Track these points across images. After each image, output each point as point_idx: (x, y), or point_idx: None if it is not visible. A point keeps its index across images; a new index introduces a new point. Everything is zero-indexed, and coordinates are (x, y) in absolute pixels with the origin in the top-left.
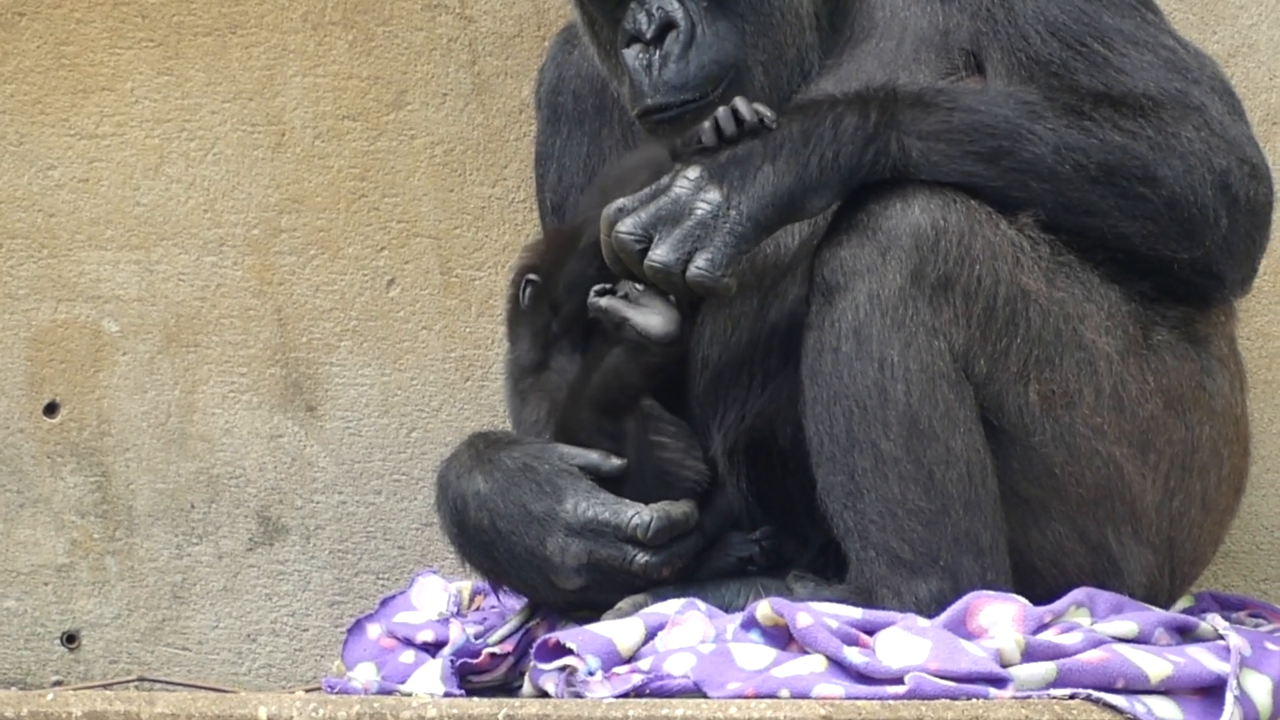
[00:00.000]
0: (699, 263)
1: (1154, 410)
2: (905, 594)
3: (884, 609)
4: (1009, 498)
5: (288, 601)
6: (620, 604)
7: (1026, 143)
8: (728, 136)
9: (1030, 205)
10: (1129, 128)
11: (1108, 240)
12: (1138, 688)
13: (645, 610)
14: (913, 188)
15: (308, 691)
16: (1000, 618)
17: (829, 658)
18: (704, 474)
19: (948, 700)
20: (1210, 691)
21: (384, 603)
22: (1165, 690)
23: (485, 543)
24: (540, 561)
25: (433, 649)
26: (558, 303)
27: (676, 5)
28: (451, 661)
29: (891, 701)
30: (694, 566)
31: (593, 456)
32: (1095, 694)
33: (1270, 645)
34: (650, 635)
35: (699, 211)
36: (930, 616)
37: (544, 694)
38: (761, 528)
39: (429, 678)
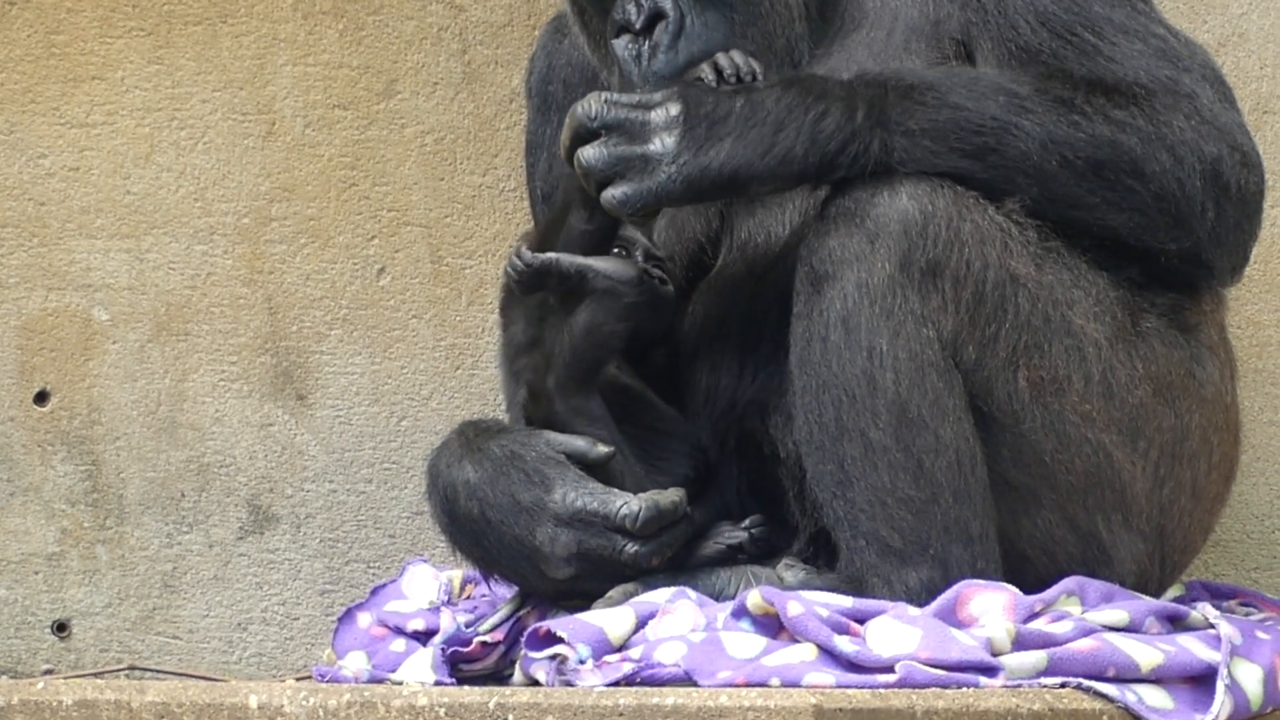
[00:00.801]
0: (618, 189)
1: (1143, 397)
2: (895, 583)
3: (874, 598)
4: (999, 486)
5: (278, 590)
6: (611, 593)
7: (1013, 139)
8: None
9: (1017, 196)
10: (1119, 118)
11: (1095, 231)
12: (1128, 676)
13: (636, 599)
14: (900, 174)
15: (298, 680)
16: (991, 606)
17: (819, 646)
18: (694, 463)
19: (938, 689)
20: (1201, 680)
21: (375, 591)
22: (1156, 679)
23: (475, 532)
24: (530, 551)
25: (423, 637)
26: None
27: None
28: (442, 650)
29: (882, 690)
30: (684, 555)
31: (579, 444)
32: (1086, 683)
33: (1261, 634)
34: (641, 624)
35: (650, 147)
36: (921, 605)
37: (535, 682)
38: (751, 516)
39: (420, 666)
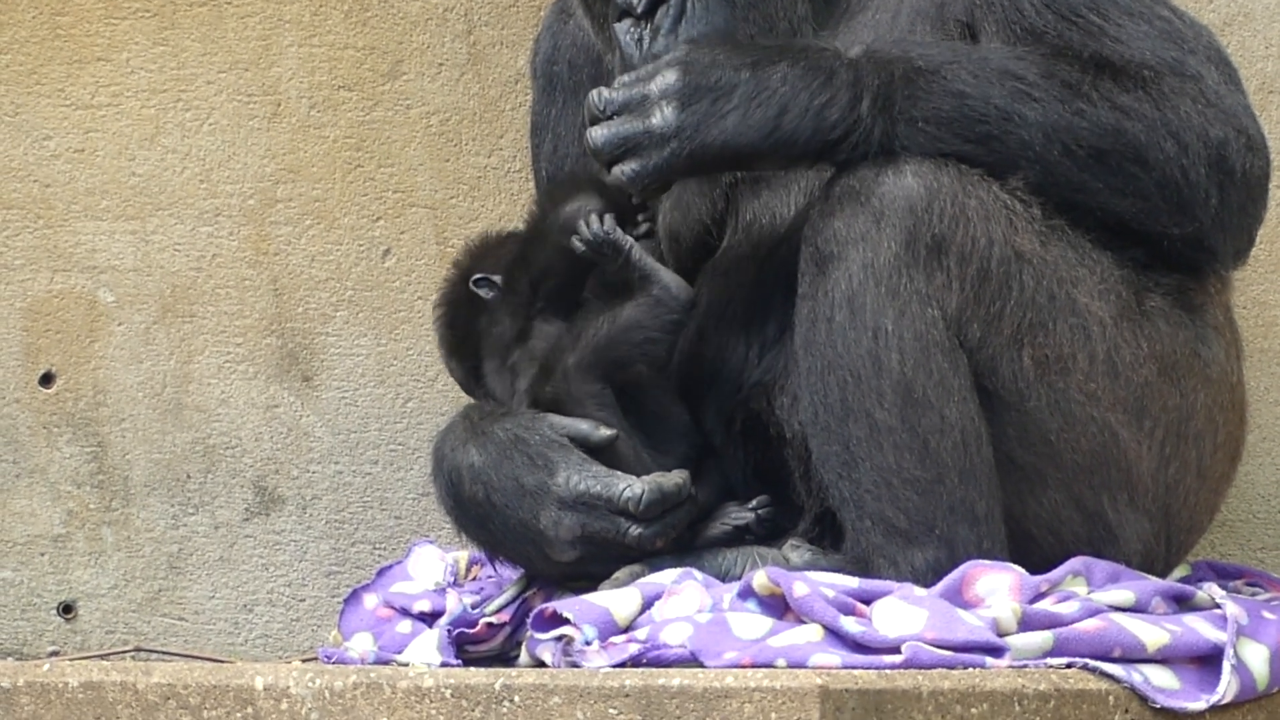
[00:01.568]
0: (626, 166)
1: (1148, 376)
2: (901, 563)
3: (880, 578)
4: (1004, 465)
5: (284, 572)
6: (617, 574)
7: (1016, 128)
8: None
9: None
10: (1124, 104)
11: (1098, 215)
12: (1134, 656)
13: (642, 580)
14: (904, 154)
15: (304, 662)
16: (997, 587)
17: (825, 627)
18: (698, 444)
19: (944, 669)
20: (1207, 660)
21: (381, 573)
22: (1162, 659)
23: (480, 515)
24: (534, 535)
25: (429, 619)
26: (539, 275)
27: None
28: (448, 631)
29: (888, 671)
30: (690, 536)
31: (583, 426)
32: (1092, 663)
33: (1267, 614)
34: (647, 605)
35: (653, 120)
36: (927, 586)
37: (541, 664)
38: (758, 498)
39: (426, 648)
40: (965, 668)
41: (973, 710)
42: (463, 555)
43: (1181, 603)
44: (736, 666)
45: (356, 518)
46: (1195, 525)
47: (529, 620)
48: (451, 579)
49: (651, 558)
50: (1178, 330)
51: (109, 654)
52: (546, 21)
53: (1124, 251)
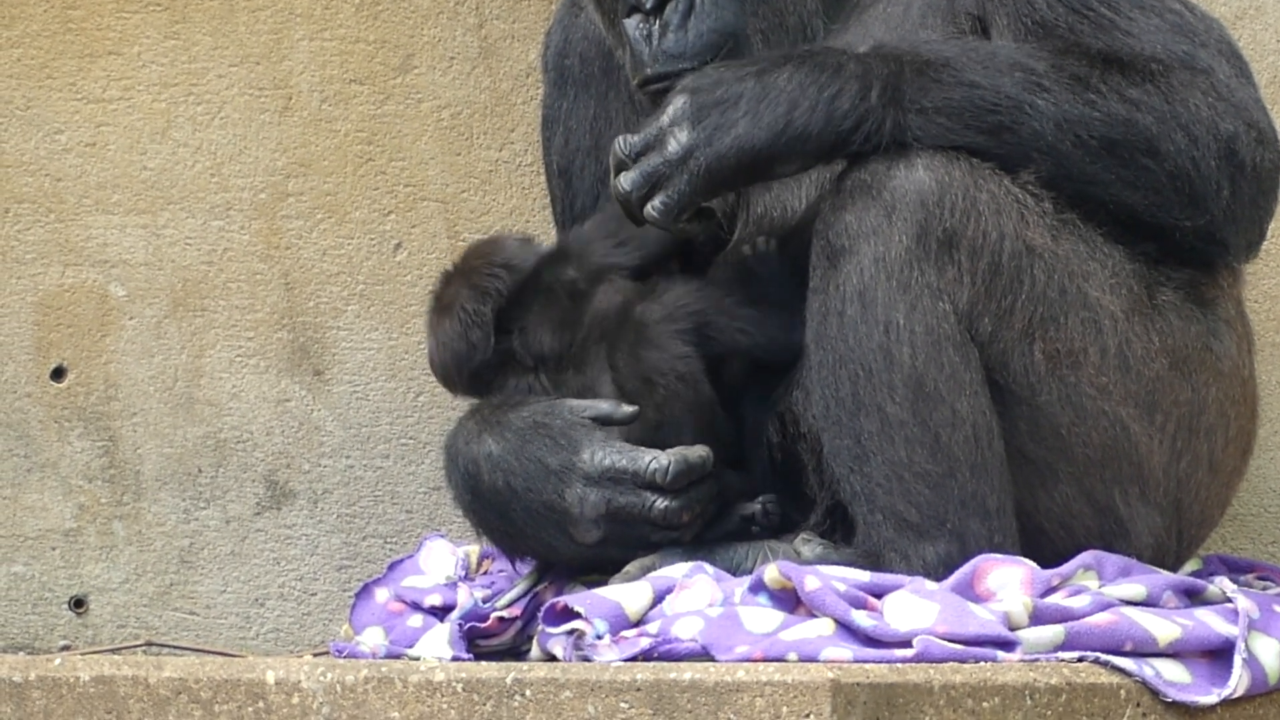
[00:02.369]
0: (656, 202)
1: (1159, 370)
2: (913, 557)
3: (892, 572)
4: (1015, 459)
5: (295, 566)
6: (628, 567)
7: (1027, 118)
8: None
9: (1031, 168)
10: (1134, 96)
11: (1109, 207)
12: (1146, 650)
13: (653, 574)
14: (915, 147)
15: (315, 656)
16: (1008, 580)
17: (837, 621)
18: (728, 428)
19: (956, 663)
20: (1218, 654)
21: (392, 567)
22: (1173, 653)
23: (501, 505)
24: (559, 515)
25: (440, 613)
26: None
27: None
28: (459, 625)
29: (899, 665)
30: (701, 530)
31: (603, 406)
32: (1103, 657)
33: (1279, 608)
34: (658, 599)
35: (669, 148)
36: (938, 579)
37: (552, 657)
38: (763, 495)
39: (437, 642)
40: (976, 661)
41: (984, 704)
42: (474, 549)
43: (1193, 597)
44: (748, 660)
45: (368, 512)
46: (1206, 519)
47: (540, 614)
48: (463, 573)
49: (664, 551)
50: (1189, 324)
51: (120, 648)
52: (558, 15)
53: (1135, 246)
